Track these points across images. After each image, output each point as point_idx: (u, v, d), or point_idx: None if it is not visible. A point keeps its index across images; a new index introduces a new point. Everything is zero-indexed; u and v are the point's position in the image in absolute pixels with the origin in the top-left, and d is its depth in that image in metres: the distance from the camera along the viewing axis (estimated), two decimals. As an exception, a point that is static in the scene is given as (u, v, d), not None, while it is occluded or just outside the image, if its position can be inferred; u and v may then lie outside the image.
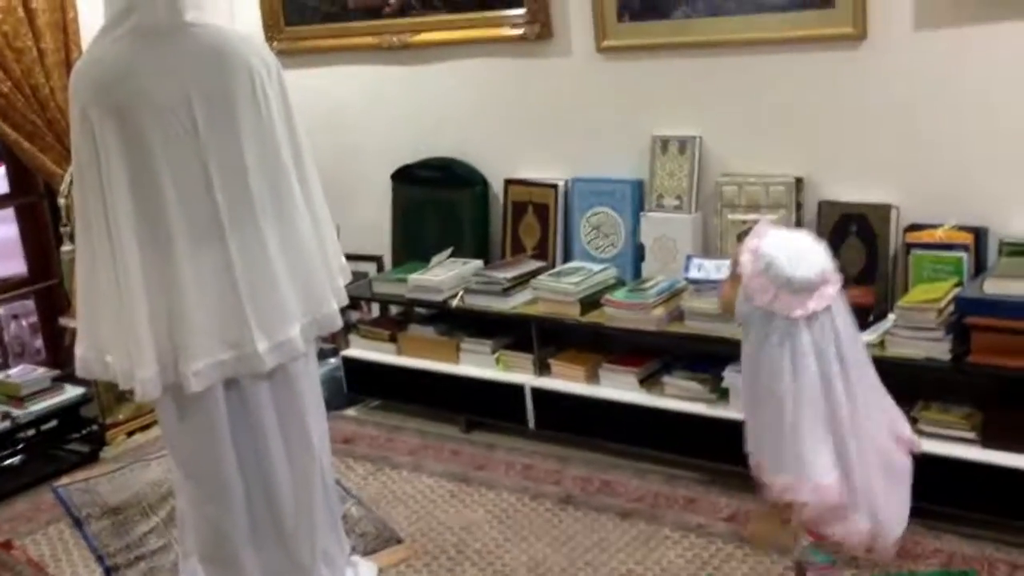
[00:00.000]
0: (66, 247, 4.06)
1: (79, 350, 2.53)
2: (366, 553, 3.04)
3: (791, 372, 2.07)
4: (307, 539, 2.66)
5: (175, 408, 2.52)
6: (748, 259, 2.11)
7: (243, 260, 2.42)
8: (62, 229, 4.11)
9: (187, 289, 2.39)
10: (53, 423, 3.99)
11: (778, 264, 2.07)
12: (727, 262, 3.26)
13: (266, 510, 2.64)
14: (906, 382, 3.01)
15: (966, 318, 2.82)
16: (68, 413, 4.02)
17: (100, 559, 3.17)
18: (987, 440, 2.82)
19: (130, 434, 4.08)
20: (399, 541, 3.12)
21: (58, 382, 4.02)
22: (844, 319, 2.13)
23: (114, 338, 2.45)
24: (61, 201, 4.07)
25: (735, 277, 2.17)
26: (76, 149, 2.43)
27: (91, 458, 3.91)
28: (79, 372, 2.57)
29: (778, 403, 2.08)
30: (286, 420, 2.60)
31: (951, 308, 2.86)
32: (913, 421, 2.94)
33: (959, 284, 2.97)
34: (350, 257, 3.96)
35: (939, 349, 2.86)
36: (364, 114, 4.34)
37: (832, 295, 2.10)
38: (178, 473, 2.64)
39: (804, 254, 2.09)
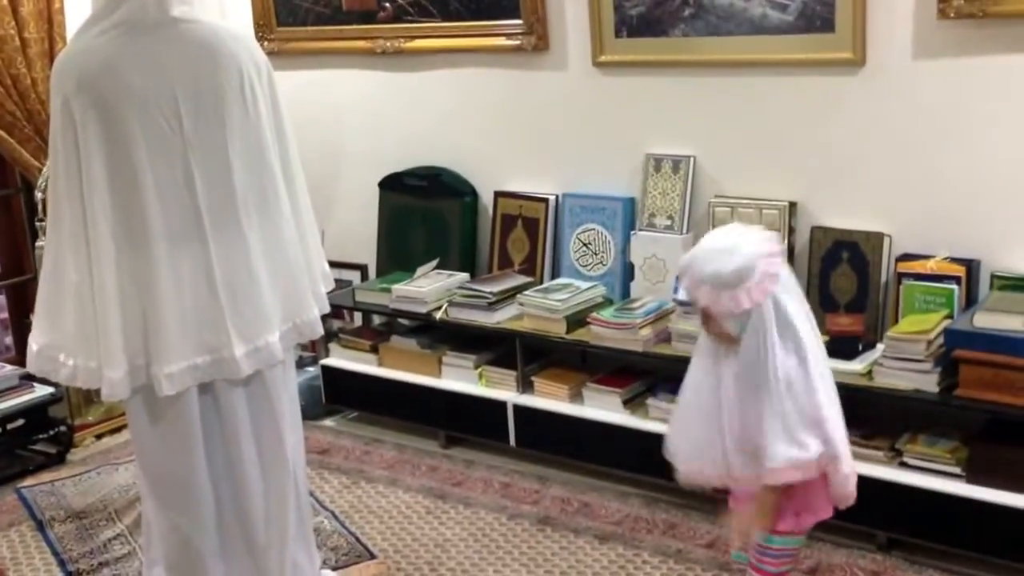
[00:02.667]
0: (41, 242, 4.10)
1: (33, 345, 2.52)
2: (337, 567, 3.08)
3: (788, 348, 2.18)
4: (277, 551, 2.68)
5: (146, 412, 2.53)
6: (694, 293, 2.23)
7: (223, 262, 2.44)
8: (38, 224, 4.15)
9: (164, 290, 2.40)
10: (20, 422, 3.98)
11: (713, 272, 2.18)
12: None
13: (236, 520, 2.65)
14: (893, 413, 3.10)
15: (955, 351, 2.89)
16: (36, 413, 4.02)
17: (62, 564, 3.19)
18: (972, 475, 2.89)
19: (99, 437, 4.12)
20: (372, 556, 3.16)
21: (27, 380, 4.01)
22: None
23: (79, 336, 2.45)
24: (38, 195, 4.11)
25: (706, 316, 2.26)
26: (55, 142, 2.43)
27: (58, 460, 3.95)
28: (30, 367, 2.56)
29: (785, 383, 2.17)
30: (261, 428, 2.62)
31: (940, 340, 2.94)
32: (898, 453, 3.02)
33: (949, 316, 3.04)
34: (334, 264, 4.01)
35: (927, 381, 2.93)
36: (354, 119, 4.41)
37: (776, 251, 2.21)
38: (146, 479, 2.65)
39: (724, 245, 2.22)
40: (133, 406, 2.55)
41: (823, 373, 2.24)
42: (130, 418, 2.61)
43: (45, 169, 3.86)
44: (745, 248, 2.18)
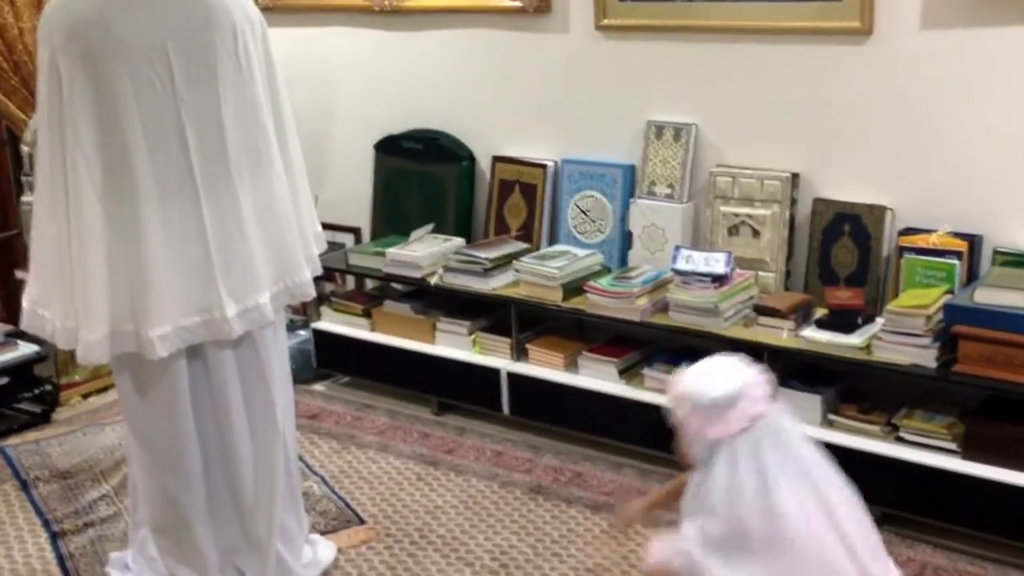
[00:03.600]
0: (27, 197, 4.11)
1: (24, 303, 2.57)
2: (326, 532, 3.11)
3: (755, 491, 2.10)
4: (265, 514, 2.72)
5: (135, 373, 2.56)
6: (675, 406, 2.20)
7: (215, 221, 2.46)
8: (24, 179, 4.17)
9: (153, 249, 2.41)
10: (4, 380, 3.98)
11: (697, 393, 2.15)
12: (717, 255, 3.38)
13: (224, 483, 2.69)
14: (891, 388, 3.14)
15: (955, 326, 2.92)
16: (21, 371, 4.02)
17: (47, 524, 3.21)
18: (968, 451, 2.93)
19: (85, 396, 4.15)
20: (361, 522, 3.20)
21: (12, 338, 4.02)
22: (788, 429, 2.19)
23: (57, 294, 2.47)
24: (24, 149, 4.12)
25: (679, 431, 2.23)
26: (42, 95, 2.44)
27: (43, 419, 3.96)
28: (22, 325, 2.61)
29: (742, 526, 2.11)
30: (250, 390, 2.65)
31: (940, 315, 2.97)
32: (895, 428, 3.07)
33: (950, 291, 3.08)
34: (327, 227, 4.01)
35: (926, 356, 2.97)
36: (350, 78, 4.40)
37: (765, 396, 2.16)
38: (134, 440, 2.68)
39: (717, 372, 2.18)
40: (120, 368, 2.58)
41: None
42: (118, 380, 2.65)
43: (32, 122, 3.87)
44: (735, 380, 2.15)
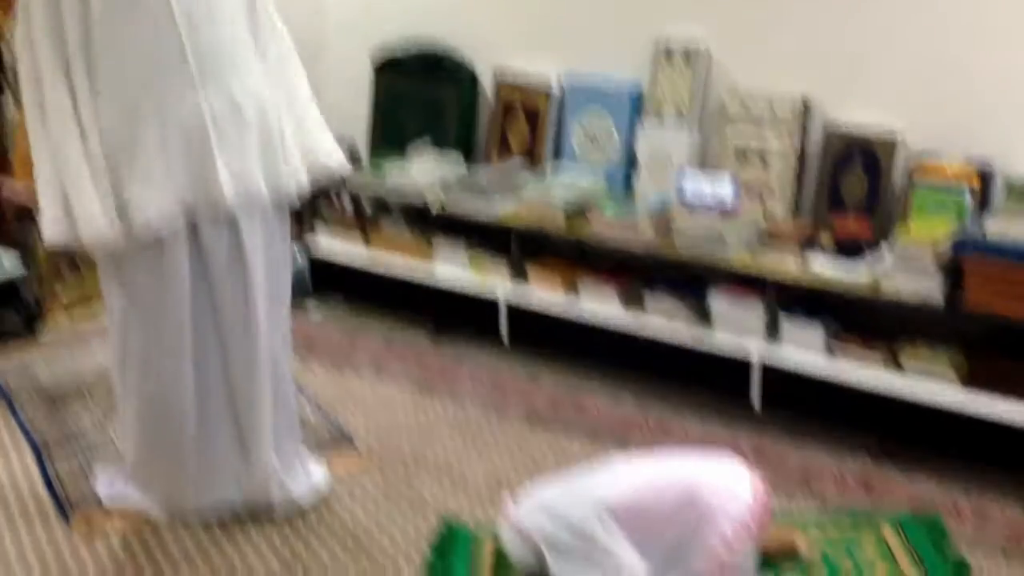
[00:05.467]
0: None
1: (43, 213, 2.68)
2: (320, 457, 3.15)
3: None
4: (255, 433, 2.83)
5: (133, 260, 2.66)
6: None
7: (210, 104, 2.61)
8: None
9: (147, 128, 2.57)
10: (-12, 297, 4.03)
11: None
12: (724, 183, 3.44)
13: (221, 384, 2.79)
14: (896, 320, 3.22)
15: (963, 259, 2.99)
16: (5, 290, 4.04)
17: (33, 443, 3.27)
18: (970, 385, 3.01)
19: (71, 315, 4.20)
20: (355, 447, 3.28)
21: (-7, 255, 4.07)
22: None
23: (59, 188, 2.60)
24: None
25: None
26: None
27: (28, 331, 4.03)
28: (46, 236, 2.69)
29: None
30: (234, 291, 2.76)
31: (948, 247, 3.03)
32: (897, 360, 3.15)
33: (960, 223, 3.13)
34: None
35: (933, 288, 3.04)
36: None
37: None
38: (127, 349, 2.75)
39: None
40: (116, 268, 2.69)
41: None
42: (110, 287, 2.74)
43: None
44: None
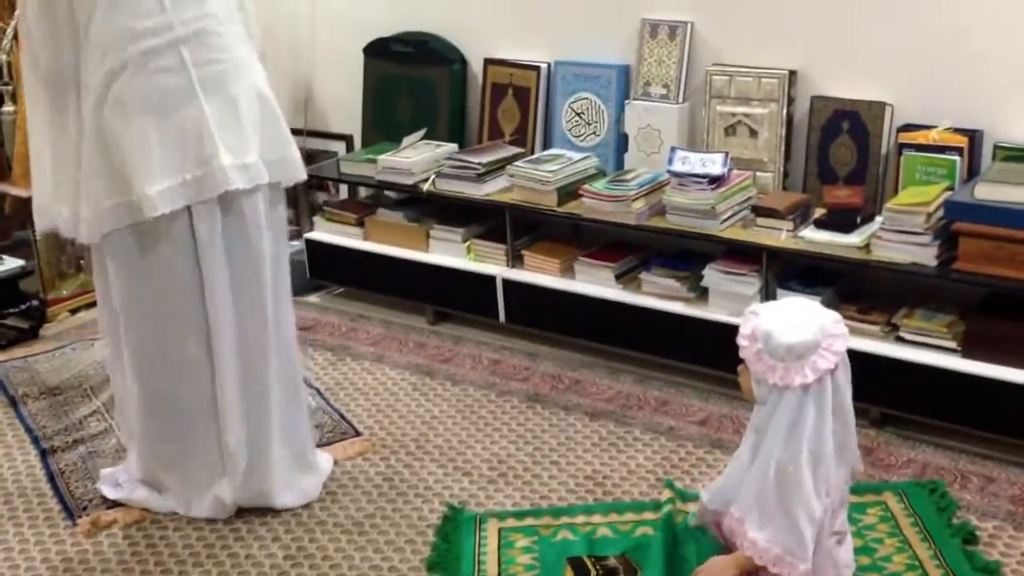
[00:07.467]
0: (8, 107, 4.13)
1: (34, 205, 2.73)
2: (322, 445, 3.16)
3: (810, 442, 2.20)
4: (257, 416, 2.80)
5: (140, 242, 2.64)
6: (746, 344, 2.25)
7: (204, 84, 2.60)
8: (1, 88, 4.17)
9: (145, 116, 2.56)
10: (-10, 295, 4.01)
11: (769, 336, 2.20)
12: (713, 156, 3.42)
13: (229, 371, 2.74)
14: (890, 287, 3.21)
15: (955, 223, 2.98)
16: (7, 287, 4.01)
17: (36, 441, 3.26)
18: (968, 350, 3.00)
19: (74, 311, 4.19)
20: (357, 434, 3.27)
21: (-4, 253, 4.05)
22: (846, 374, 2.26)
23: (54, 180, 2.65)
24: (1, 57, 4.11)
25: (744, 365, 2.30)
26: None
27: (31, 335, 4.01)
28: (38, 227, 2.75)
29: (794, 477, 2.20)
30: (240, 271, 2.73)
31: (940, 213, 3.02)
32: (895, 327, 3.13)
33: (950, 188, 3.12)
34: (317, 134, 4.07)
35: (925, 254, 3.03)
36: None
37: (839, 351, 2.22)
38: (131, 323, 2.73)
39: (794, 318, 2.22)
40: (122, 240, 2.65)
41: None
42: (117, 256, 2.69)
43: (10, 29, 3.86)
44: (811, 331, 2.19)
